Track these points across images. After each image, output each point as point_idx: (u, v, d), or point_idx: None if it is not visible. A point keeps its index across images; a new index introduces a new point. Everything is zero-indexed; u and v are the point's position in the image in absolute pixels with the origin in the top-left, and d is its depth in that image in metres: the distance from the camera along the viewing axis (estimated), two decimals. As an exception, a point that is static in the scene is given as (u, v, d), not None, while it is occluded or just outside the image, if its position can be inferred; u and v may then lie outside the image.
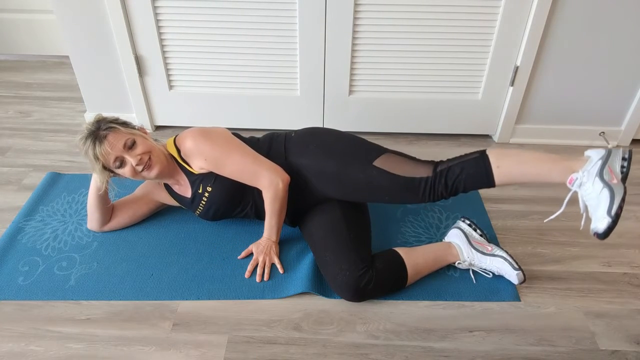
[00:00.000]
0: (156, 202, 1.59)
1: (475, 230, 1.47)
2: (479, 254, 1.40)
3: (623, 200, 1.09)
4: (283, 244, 1.53)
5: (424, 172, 1.28)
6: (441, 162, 1.30)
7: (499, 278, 1.41)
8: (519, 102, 1.96)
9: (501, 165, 1.22)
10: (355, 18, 1.78)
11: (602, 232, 1.08)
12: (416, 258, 1.37)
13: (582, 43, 1.80)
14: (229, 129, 1.49)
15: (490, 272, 1.41)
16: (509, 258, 1.37)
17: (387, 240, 1.55)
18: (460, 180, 1.25)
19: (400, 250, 1.37)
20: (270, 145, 1.44)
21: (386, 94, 1.99)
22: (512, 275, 1.36)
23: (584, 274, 1.45)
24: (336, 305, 1.35)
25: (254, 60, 1.92)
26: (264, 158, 1.38)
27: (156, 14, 1.82)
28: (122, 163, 1.33)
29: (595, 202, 1.11)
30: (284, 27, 1.83)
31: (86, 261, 1.47)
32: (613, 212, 1.07)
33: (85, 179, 1.81)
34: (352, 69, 1.92)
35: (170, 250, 1.51)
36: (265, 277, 1.41)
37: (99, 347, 1.23)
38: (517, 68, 1.87)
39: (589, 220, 1.14)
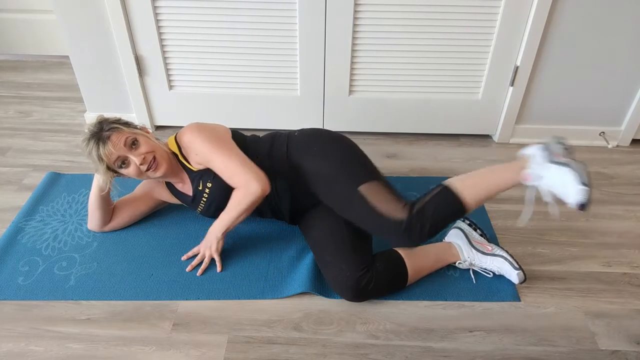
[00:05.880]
0: (156, 200, 1.59)
1: (475, 230, 1.47)
2: (479, 254, 1.40)
3: (585, 168, 1.15)
4: (283, 243, 1.53)
5: (400, 214, 1.25)
6: (412, 207, 1.27)
7: (499, 278, 1.41)
8: (519, 102, 1.96)
9: (464, 190, 1.25)
10: (355, 18, 1.78)
11: (585, 200, 1.11)
12: (416, 258, 1.37)
13: (582, 43, 1.80)
14: (230, 129, 1.48)
15: (491, 271, 1.41)
16: (509, 258, 1.37)
17: (387, 240, 1.55)
18: (436, 219, 1.25)
19: (401, 251, 1.37)
20: (272, 143, 1.44)
21: (386, 94, 1.99)
22: (513, 275, 1.36)
23: (584, 274, 1.45)
24: (336, 305, 1.35)
25: (254, 60, 1.92)
26: (252, 164, 1.35)
27: (156, 14, 1.82)
28: (124, 162, 1.33)
29: (561, 183, 1.15)
30: (284, 27, 1.83)
31: (86, 261, 1.47)
32: (585, 179, 1.12)
33: (85, 179, 1.81)
34: (352, 69, 1.92)
35: (170, 250, 1.51)
36: (198, 273, 1.42)
37: (99, 347, 1.23)
38: (517, 68, 1.87)
39: (559, 208, 1.16)
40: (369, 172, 1.35)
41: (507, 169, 1.26)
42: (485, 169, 1.29)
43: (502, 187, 1.26)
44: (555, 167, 1.16)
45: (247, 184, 1.32)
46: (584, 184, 1.11)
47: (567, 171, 1.14)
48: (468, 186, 1.26)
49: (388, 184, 1.35)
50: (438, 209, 1.25)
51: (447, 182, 1.29)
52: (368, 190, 1.30)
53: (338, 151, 1.39)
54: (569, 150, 1.19)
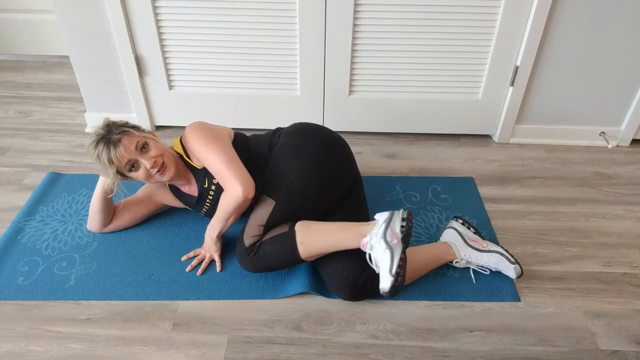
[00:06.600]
0: (158, 204, 1.59)
1: (468, 229, 1.47)
2: (475, 251, 1.41)
3: (401, 259, 1.18)
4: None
5: (247, 240, 1.32)
6: (261, 243, 1.32)
7: (499, 278, 1.41)
8: (519, 102, 1.96)
9: (304, 241, 1.28)
10: (355, 18, 1.78)
11: (387, 290, 1.16)
12: (413, 257, 1.37)
13: (582, 43, 1.80)
14: (233, 131, 1.48)
15: (488, 268, 1.41)
16: (504, 253, 1.38)
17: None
18: (270, 260, 1.31)
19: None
20: (271, 141, 1.45)
21: (386, 94, 1.99)
22: (510, 270, 1.36)
23: (584, 274, 1.45)
24: (336, 305, 1.35)
25: (254, 60, 1.92)
26: (240, 167, 1.32)
27: (156, 14, 1.82)
28: (134, 166, 1.33)
29: (380, 263, 1.20)
30: (284, 27, 1.83)
31: (86, 261, 1.47)
32: (393, 271, 1.16)
33: (85, 179, 1.81)
34: (352, 69, 1.92)
35: (170, 250, 1.51)
36: (198, 272, 1.44)
37: (99, 347, 1.24)
38: (517, 68, 1.87)
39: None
40: (289, 191, 1.33)
41: (350, 234, 1.27)
42: (332, 225, 1.31)
43: (340, 247, 1.29)
44: (384, 246, 1.19)
45: (231, 188, 1.30)
46: (392, 275, 1.16)
47: (387, 256, 1.18)
48: (309, 241, 1.29)
49: (290, 213, 1.34)
50: (274, 251, 1.30)
51: (297, 227, 1.31)
52: (262, 202, 1.34)
53: (302, 159, 1.37)
54: (405, 232, 1.21)
